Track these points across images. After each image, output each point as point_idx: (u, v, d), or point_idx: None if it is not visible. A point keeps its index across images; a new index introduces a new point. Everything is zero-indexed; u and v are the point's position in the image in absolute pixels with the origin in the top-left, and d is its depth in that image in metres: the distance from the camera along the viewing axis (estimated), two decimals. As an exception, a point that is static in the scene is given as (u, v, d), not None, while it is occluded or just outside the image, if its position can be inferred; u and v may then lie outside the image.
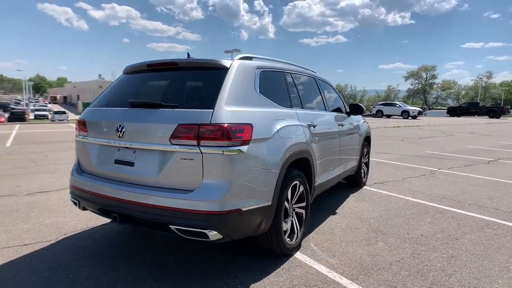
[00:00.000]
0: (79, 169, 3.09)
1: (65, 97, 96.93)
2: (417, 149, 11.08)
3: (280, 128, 2.91)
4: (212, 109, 2.47)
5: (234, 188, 2.45)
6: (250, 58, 3.17)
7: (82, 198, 2.93)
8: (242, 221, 2.55)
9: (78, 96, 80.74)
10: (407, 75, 74.68)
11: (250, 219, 2.60)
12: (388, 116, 34.31)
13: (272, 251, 3.04)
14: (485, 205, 4.92)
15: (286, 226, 3.06)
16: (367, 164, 6.11)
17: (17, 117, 32.94)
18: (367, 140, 5.98)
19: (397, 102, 38.61)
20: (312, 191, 3.62)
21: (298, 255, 3.20)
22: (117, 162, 2.76)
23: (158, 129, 2.53)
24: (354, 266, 3.01)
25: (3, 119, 33.95)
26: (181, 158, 2.47)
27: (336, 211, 4.53)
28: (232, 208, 2.44)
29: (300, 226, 3.35)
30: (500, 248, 3.43)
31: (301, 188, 3.31)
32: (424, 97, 73.96)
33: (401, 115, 33.27)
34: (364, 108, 5.16)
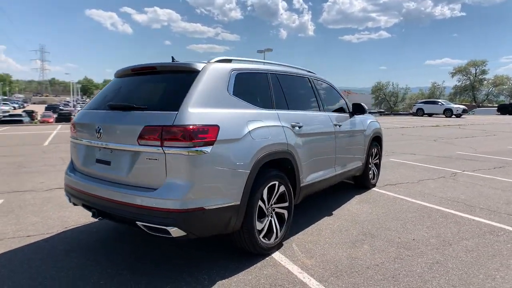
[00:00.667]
0: (72, 168, 3.35)
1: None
2: (448, 149, 10.51)
3: (252, 129, 2.96)
4: (176, 111, 2.59)
5: (196, 187, 2.55)
6: (228, 61, 3.25)
7: (72, 195, 3.18)
8: (206, 219, 2.63)
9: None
10: (454, 71, 70.34)
11: (215, 217, 2.68)
12: (430, 115, 32.61)
13: (245, 250, 3.09)
14: (498, 210, 4.61)
15: (261, 225, 3.10)
16: (377, 165, 5.94)
17: (64, 117, 35.54)
18: (376, 140, 5.82)
19: (440, 100, 36.63)
20: (298, 191, 3.62)
21: (276, 254, 3.23)
22: (98, 161, 2.97)
23: (128, 130, 2.69)
24: (328, 268, 2.98)
25: (51, 120, 36.87)
26: (147, 158, 2.61)
27: (333, 212, 4.47)
28: (194, 207, 2.54)
29: (281, 226, 3.37)
30: (495, 256, 3.22)
31: (282, 189, 3.33)
32: (472, 94, 69.30)
33: (443, 114, 31.51)
34: (366, 108, 5.04)
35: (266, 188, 3.12)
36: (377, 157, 5.89)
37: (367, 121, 5.42)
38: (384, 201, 4.98)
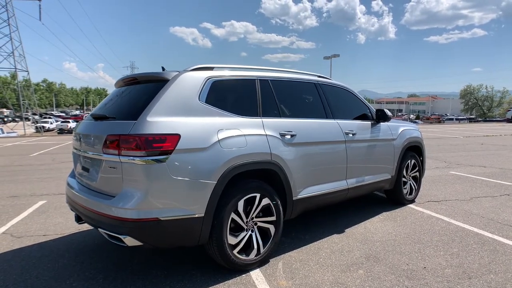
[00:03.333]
0: (72, 174, 3.59)
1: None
2: (531, 162, 8.89)
3: (223, 138, 2.83)
4: (135, 120, 2.60)
5: (149, 197, 2.51)
6: (209, 69, 3.17)
7: (67, 199, 3.40)
8: (162, 230, 2.57)
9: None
10: None
11: (173, 228, 2.60)
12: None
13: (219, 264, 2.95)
14: (560, 239, 3.70)
15: (235, 240, 2.92)
16: (416, 179, 5.25)
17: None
18: (414, 150, 5.17)
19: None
20: (291, 205, 3.35)
21: (255, 272, 3.02)
22: (83, 168, 3.13)
23: (97, 139, 2.78)
24: (302, 292, 2.68)
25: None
26: (108, 167, 2.66)
27: (346, 230, 4.05)
28: (147, 217, 2.50)
29: (265, 242, 3.14)
30: (522, 298, 2.56)
31: (266, 201, 3.11)
32: None
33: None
34: (389, 114, 4.50)
35: (243, 200, 2.95)
36: (416, 170, 5.21)
37: (399, 129, 4.84)
38: (413, 220, 4.37)
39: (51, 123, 41.27)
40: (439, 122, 55.80)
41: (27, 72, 43.23)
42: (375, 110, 4.57)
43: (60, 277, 2.95)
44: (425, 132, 21.14)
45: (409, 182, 5.13)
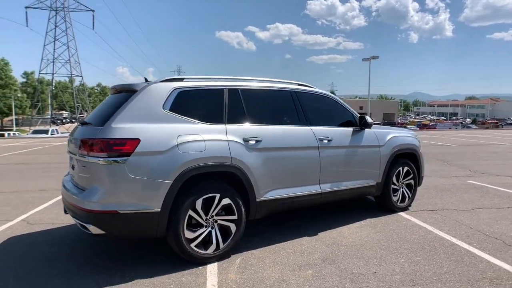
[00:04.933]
0: (68, 172, 4.13)
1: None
2: None
3: (181, 143, 3.16)
4: (102, 126, 3.02)
5: (109, 192, 2.92)
6: (179, 80, 3.53)
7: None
8: (122, 222, 2.96)
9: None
10: None
11: (131, 221, 2.98)
12: None
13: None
14: (539, 254, 3.54)
15: (192, 234, 3.23)
16: (410, 187, 5.19)
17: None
18: (407, 157, 5.12)
19: None
20: (254, 206, 3.59)
21: (212, 265, 3.30)
22: (72, 167, 3.63)
23: (77, 142, 3.25)
24: (245, 285, 2.92)
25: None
26: (82, 166, 3.11)
27: (321, 233, 4.18)
28: (107, 209, 2.90)
29: (226, 239, 3.41)
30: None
31: (226, 201, 3.39)
32: None
33: None
34: (370, 121, 4.54)
35: (201, 199, 3.25)
36: (409, 177, 5.15)
37: (387, 136, 4.84)
38: (394, 227, 4.37)
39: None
40: (497, 127, 51.47)
41: (81, 77, 47.36)
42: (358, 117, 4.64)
43: (50, 259, 3.46)
44: (465, 138, 19.86)
45: (401, 189, 5.09)
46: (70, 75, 44.85)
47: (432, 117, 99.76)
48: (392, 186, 4.95)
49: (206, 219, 3.34)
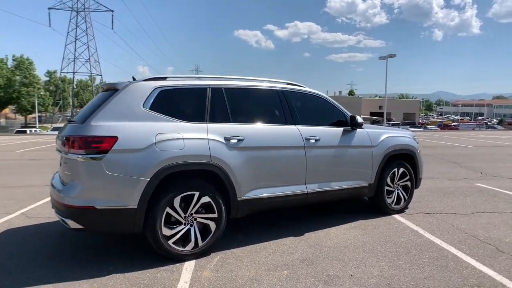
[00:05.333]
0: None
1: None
2: None
3: (160, 141, 3.20)
4: (82, 124, 3.10)
5: (86, 188, 2.99)
6: (162, 79, 3.57)
7: None
8: (99, 217, 3.03)
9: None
10: None
11: (108, 216, 3.05)
12: None
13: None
14: (530, 261, 3.38)
15: (170, 232, 3.27)
16: (406, 188, 5.06)
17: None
18: (403, 158, 5.00)
19: None
20: (235, 205, 3.60)
21: (190, 262, 3.33)
22: (60, 163, 3.74)
23: (62, 139, 3.34)
24: (215, 285, 2.93)
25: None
26: (64, 162, 3.21)
27: (307, 233, 4.14)
28: (84, 205, 2.98)
29: (205, 236, 3.44)
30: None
31: (206, 199, 3.41)
32: None
33: None
34: (360, 121, 4.45)
35: (179, 197, 3.28)
36: (406, 179, 5.02)
37: (380, 137, 4.74)
38: (384, 230, 4.28)
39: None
40: (524, 128, 49.33)
41: (100, 76, 48.70)
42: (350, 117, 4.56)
43: (39, 250, 3.59)
44: (486, 140, 19.14)
45: (396, 191, 4.98)
46: (90, 74, 46.29)
47: (455, 117, 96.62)
48: (386, 187, 4.84)
49: (185, 217, 3.37)
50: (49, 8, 47.34)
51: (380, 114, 67.79)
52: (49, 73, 48.89)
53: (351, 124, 4.49)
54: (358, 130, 4.56)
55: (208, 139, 3.44)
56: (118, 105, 3.24)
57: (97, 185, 3.02)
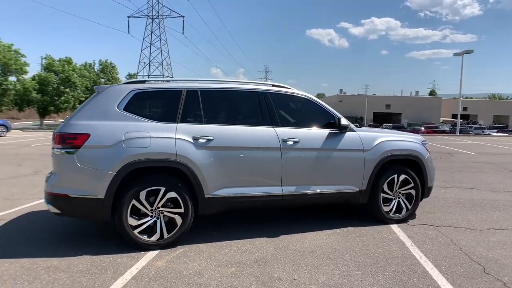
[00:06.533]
0: None
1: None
2: None
3: (127, 139, 3.53)
4: (64, 122, 3.58)
5: (61, 178, 3.46)
6: (142, 82, 3.91)
7: None
8: (72, 204, 3.47)
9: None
10: None
11: (80, 204, 3.47)
12: None
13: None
14: None
15: (136, 222, 3.57)
16: (410, 197, 4.69)
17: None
18: (406, 164, 4.65)
19: None
20: (202, 202, 3.77)
21: (154, 252, 3.60)
22: None
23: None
24: (159, 274, 3.15)
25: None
26: (51, 155, 3.73)
27: (283, 235, 4.13)
28: (60, 192, 3.45)
29: (170, 229, 3.68)
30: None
31: (172, 195, 3.65)
32: None
33: None
34: (344, 123, 4.25)
35: (145, 191, 3.58)
36: (408, 187, 4.65)
37: (375, 140, 4.47)
38: (367, 239, 4.06)
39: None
40: None
41: (172, 78, 52.62)
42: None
43: (34, 233, 4.21)
44: None
45: (396, 199, 4.65)
46: (162, 76, 50.28)
47: None
48: (383, 194, 4.55)
49: (152, 210, 3.65)
50: (128, 17, 52.83)
51: (465, 117, 61.21)
52: (130, 76, 54.26)
53: (342, 126, 4.33)
54: (348, 133, 4.38)
55: (175, 138, 3.68)
56: (95, 106, 3.67)
57: (70, 176, 3.47)
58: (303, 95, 4.48)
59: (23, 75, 36.47)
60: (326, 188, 4.28)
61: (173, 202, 3.71)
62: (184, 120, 3.82)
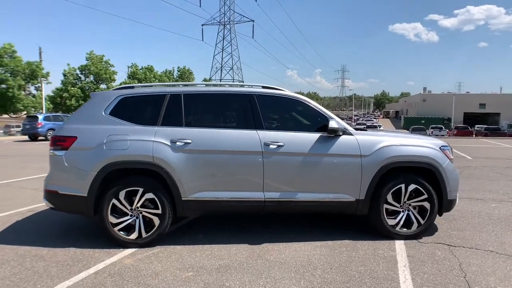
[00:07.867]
0: None
1: (397, 112, 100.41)
2: None
3: (109, 141, 3.74)
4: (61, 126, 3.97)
5: (52, 176, 3.83)
6: (131, 87, 4.12)
7: None
8: (61, 200, 3.81)
9: (406, 110, 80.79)
10: None
11: (67, 201, 3.79)
12: None
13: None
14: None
15: (116, 220, 3.77)
16: (423, 211, 4.09)
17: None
18: (418, 173, 4.08)
19: None
20: (179, 204, 3.81)
21: (131, 249, 3.75)
22: None
23: (54, 137, 4.30)
24: (123, 270, 3.27)
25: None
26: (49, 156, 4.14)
27: (268, 244, 3.94)
28: (51, 189, 3.82)
29: (149, 229, 3.80)
30: None
31: (150, 196, 3.77)
32: None
33: None
34: (333, 126, 3.86)
35: (125, 191, 3.75)
36: (420, 198, 4.06)
37: (376, 145, 3.99)
38: (356, 256, 3.65)
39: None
40: None
41: (242, 82, 54.19)
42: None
43: (50, 225, 4.71)
44: None
45: (405, 212, 4.10)
46: (232, 80, 52.19)
47: None
48: (388, 206, 4.05)
49: (131, 209, 3.81)
50: (202, 25, 56.39)
51: None
52: (205, 81, 57.62)
53: (327, 130, 3.98)
54: (343, 136, 4.00)
55: (153, 141, 3.79)
56: (85, 110, 3.98)
57: (60, 174, 3.82)
58: (296, 97, 4.23)
59: (112, 83, 41.36)
60: (314, 196, 3.97)
61: (153, 203, 3.82)
62: (165, 123, 3.91)
